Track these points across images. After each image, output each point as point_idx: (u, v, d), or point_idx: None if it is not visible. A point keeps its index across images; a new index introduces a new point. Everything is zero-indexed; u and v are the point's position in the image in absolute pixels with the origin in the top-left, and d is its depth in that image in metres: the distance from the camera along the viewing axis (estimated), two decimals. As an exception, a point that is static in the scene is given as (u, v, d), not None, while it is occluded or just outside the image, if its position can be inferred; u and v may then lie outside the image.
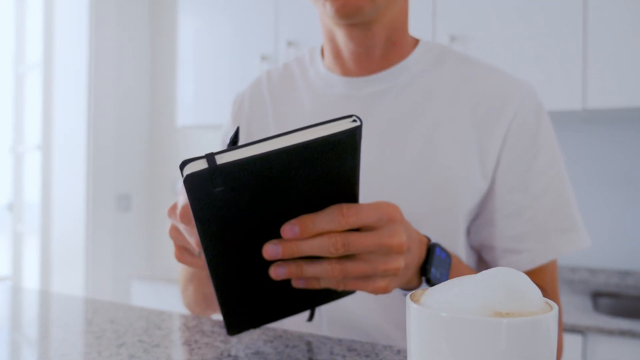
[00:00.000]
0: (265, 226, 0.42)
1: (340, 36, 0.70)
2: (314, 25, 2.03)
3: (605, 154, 1.92)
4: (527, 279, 0.30)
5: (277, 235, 0.43)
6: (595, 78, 1.62)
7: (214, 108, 2.27)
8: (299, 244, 0.43)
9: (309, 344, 0.56)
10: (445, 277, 0.53)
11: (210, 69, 2.29)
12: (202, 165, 0.36)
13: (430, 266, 0.51)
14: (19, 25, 3.07)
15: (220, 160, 0.36)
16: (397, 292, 0.66)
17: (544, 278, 0.68)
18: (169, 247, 2.84)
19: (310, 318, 0.57)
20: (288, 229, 0.42)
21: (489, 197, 0.67)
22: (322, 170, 0.39)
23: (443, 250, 0.54)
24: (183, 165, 0.36)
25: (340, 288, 0.46)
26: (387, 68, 0.71)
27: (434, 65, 0.71)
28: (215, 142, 2.67)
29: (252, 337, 0.58)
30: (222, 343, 0.57)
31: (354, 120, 0.38)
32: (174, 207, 0.49)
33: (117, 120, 2.75)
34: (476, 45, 1.75)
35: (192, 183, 0.36)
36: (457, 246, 0.67)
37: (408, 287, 0.52)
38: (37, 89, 2.90)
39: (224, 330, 0.61)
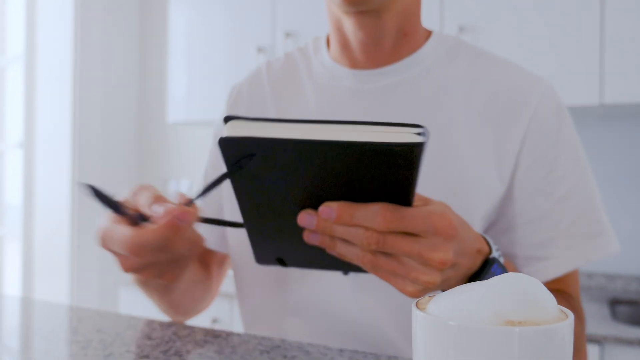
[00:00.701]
0: (303, 200, 0.43)
1: (349, 25, 0.69)
2: (313, 15, 2.03)
3: (623, 152, 1.92)
4: (540, 285, 0.30)
5: (315, 207, 0.44)
6: (613, 71, 1.62)
7: (207, 103, 2.27)
8: (335, 226, 0.44)
9: (308, 354, 0.56)
10: None
11: (203, 61, 2.29)
12: (248, 130, 0.36)
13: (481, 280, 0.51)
14: None
15: (271, 131, 0.36)
16: (407, 299, 0.66)
17: (569, 284, 0.68)
18: (159, 251, 2.84)
19: (346, 272, 0.58)
20: (326, 211, 0.43)
21: (508, 202, 0.67)
22: (373, 174, 0.39)
23: (500, 266, 0.52)
24: (228, 119, 0.37)
25: (370, 272, 0.47)
26: (398, 60, 0.70)
27: (447, 58, 0.71)
28: (209, 139, 2.67)
29: (247, 348, 0.58)
30: (216, 354, 0.57)
31: (420, 134, 0.37)
32: (108, 236, 0.51)
33: (103, 116, 2.75)
34: (486, 37, 1.75)
35: (232, 146, 0.36)
36: None
37: None
38: (19, 83, 2.90)
39: (217, 340, 0.61)
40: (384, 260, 0.45)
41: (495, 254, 0.52)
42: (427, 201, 0.46)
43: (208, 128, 2.56)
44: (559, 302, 0.65)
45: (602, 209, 0.69)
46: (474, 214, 0.65)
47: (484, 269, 0.50)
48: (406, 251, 0.44)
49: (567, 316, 0.30)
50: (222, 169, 0.80)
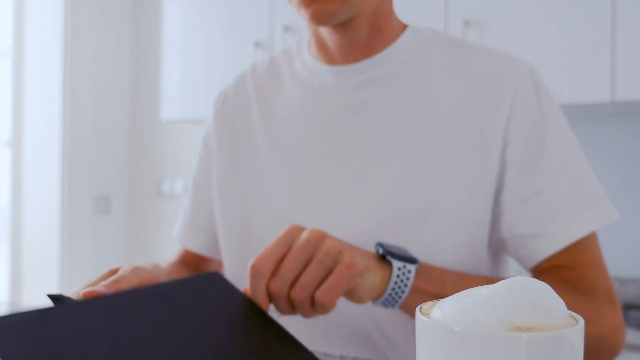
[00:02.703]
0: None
1: (323, 29, 0.73)
2: (313, 9, 2.03)
3: (635, 151, 1.91)
4: (549, 289, 0.30)
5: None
6: (625, 67, 1.61)
7: (202, 100, 2.27)
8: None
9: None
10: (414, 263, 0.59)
11: (198, 56, 2.29)
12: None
13: (388, 249, 0.58)
14: (-13, 8, 3.07)
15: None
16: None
17: (574, 258, 0.68)
18: (152, 254, 2.84)
19: None
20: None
21: (499, 186, 0.68)
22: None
23: (392, 247, 0.60)
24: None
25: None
26: (375, 54, 0.73)
27: (424, 50, 0.73)
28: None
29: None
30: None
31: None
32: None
33: (95, 113, 2.75)
34: (493, 32, 1.75)
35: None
36: (466, 242, 0.68)
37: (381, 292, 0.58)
38: (6, 79, 2.90)
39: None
40: (305, 276, 0.54)
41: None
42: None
43: (203, 126, 2.56)
44: (554, 279, 0.66)
45: (595, 180, 0.70)
46: (466, 203, 0.67)
47: (383, 247, 0.58)
48: (315, 275, 0.53)
49: (577, 321, 0.30)
50: (211, 173, 0.81)
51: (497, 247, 0.72)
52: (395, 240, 0.66)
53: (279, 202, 0.73)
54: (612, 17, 1.63)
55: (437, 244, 0.67)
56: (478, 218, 0.68)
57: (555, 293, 0.31)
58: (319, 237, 0.54)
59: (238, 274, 0.76)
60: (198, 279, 0.49)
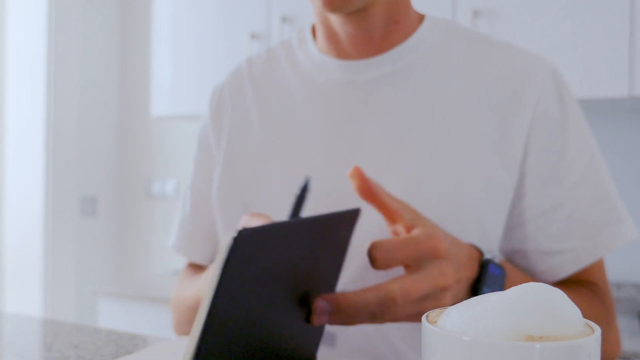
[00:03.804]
0: (287, 287, 0.47)
1: (335, 19, 0.71)
2: (312, -2, 2.03)
3: (655, 150, 1.91)
4: (563, 296, 0.30)
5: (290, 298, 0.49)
6: (643, 60, 1.61)
7: (194, 95, 2.27)
8: (350, 310, 0.49)
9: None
10: None
11: (190, 49, 2.28)
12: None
13: (483, 285, 0.55)
14: (-34, -2, 3.07)
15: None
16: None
17: (593, 272, 0.70)
18: (142, 259, 2.84)
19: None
20: (321, 307, 0.49)
21: (518, 195, 0.68)
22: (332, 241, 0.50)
23: (497, 265, 0.57)
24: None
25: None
26: (390, 49, 0.72)
27: (441, 43, 0.73)
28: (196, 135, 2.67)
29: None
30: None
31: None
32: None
33: (81, 109, 2.75)
34: (504, 24, 1.75)
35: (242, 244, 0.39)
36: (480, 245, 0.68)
37: None
38: (-13, 73, 2.90)
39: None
40: (402, 309, 0.50)
41: (487, 255, 0.57)
42: (414, 220, 0.53)
43: (196, 122, 2.56)
44: (582, 294, 0.67)
45: (616, 193, 0.70)
46: (480, 210, 0.67)
47: (482, 274, 0.56)
48: (419, 291, 0.49)
49: (593, 330, 0.30)
50: (212, 175, 0.81)
51: (506, 257, 0.73)
52: None
53: (282, 205, 0.71)
54: (631, 8, 1.63)
55: None
56: (493, 223, 0.68)
57: (569, 300, 0.30)
58: (443, 256, 0.51)
59: None
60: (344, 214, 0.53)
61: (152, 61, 2.37)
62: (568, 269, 0.68)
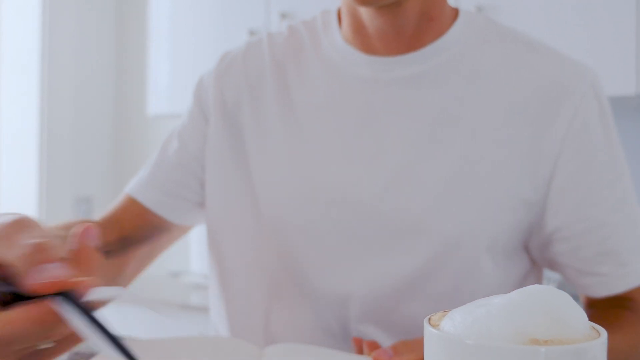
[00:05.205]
0: None
1: (364, 11, 0.68)
2: (313, -6, 2.03)
3: (663, 149, 1.91)
4: (568, 299, 0.30)
5: None
6: (651, 57, 1.61)
7: (192, 93, 2.27)
8: None
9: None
10: None
11: (188, 45, 2.28)
12: None
13: None
14: (-42, -7, 3.07)
15: None
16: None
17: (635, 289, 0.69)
18: (139, 260, 2.83)
19: None
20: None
21: (548, 213, 0.67)
22: None
23: None
24: None
25: None
26: (421, 47, 0.69)
27: (476, 44, 0.70)
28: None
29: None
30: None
31: None
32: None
33: (75, 108, 2.75)
34: (507, 19, 1.74)
35: None
36: (494, 264, 0.67)
37: None
38: (-20, 70, 2.90)
39: (204, 361, 0.61)
40: None
41: None
42: None
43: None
44: (621, 314, 0.66)
45: None
46: (503, 225, 0.66)
47: None
48: None
49: (599, 334, 0.30)
50: (202, 134, 0.80)
51: (543, 264, 0.73)
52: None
53: (288, 203, 0.69)
54: (637, 5, 1.63)
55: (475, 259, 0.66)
56: (507, 236, 0.67)
57: (574, 302, 0.30)
58: None
59: (227, 253, 0.75)
60: None
61: (149, 58, 2.37)
62: (598, 291, 0.67)
